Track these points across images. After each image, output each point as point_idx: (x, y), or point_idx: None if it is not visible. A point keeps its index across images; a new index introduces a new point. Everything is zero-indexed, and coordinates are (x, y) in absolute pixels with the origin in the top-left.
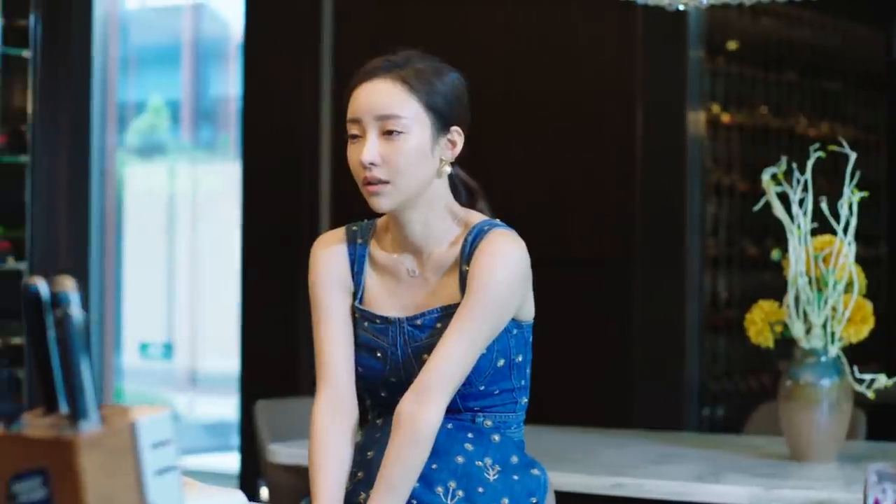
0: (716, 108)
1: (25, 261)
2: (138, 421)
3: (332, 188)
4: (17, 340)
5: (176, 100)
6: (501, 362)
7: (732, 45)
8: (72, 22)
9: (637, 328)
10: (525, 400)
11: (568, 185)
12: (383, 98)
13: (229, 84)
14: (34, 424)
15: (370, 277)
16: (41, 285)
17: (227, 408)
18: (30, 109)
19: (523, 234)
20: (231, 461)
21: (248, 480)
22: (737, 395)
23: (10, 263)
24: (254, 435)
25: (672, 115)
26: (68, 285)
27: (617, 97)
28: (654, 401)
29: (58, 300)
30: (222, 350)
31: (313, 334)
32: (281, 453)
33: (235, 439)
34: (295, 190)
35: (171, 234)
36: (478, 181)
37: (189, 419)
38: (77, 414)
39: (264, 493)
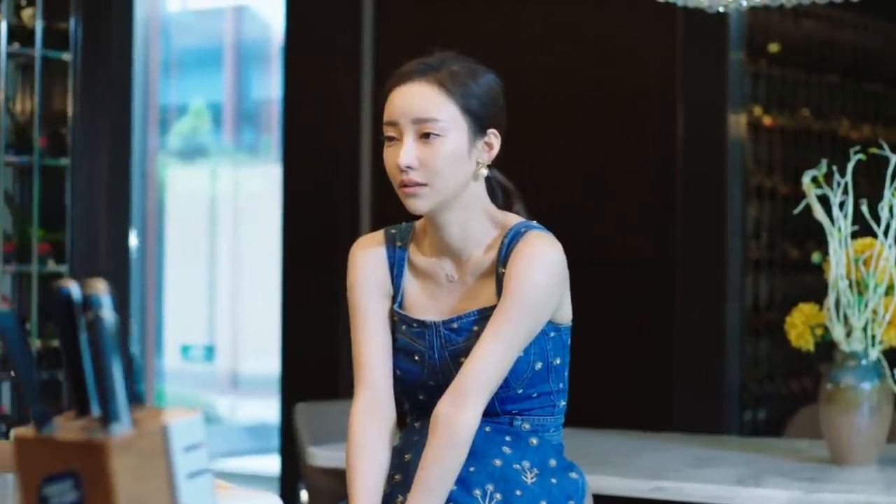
0: (757, 110)
1: (66, 263)
2: (170, 424)
3: (373, 190)
4: (57, 343)
5: (218, 102)
6: (539, 365)
7: (774, 47)
8: (112, 25)
9: (678, 330)
10: (563, 403)
11: (609, 186)
12: (420, 101)
13: (271, 86)
14: (66, 427)
15: (409, 281)
16: (73, 288)
17: (269, 410)
18: (70, 112)
19: (563, 236)
20: (272, 464)
21: (288, 483)
22: (778, 398)
23: (51, 266)
24: (294, 437)
25: (713, 117)
26: (100, 288)
27: (658, 99)
28: (695, 404)
29: (90, 303)
30: (263, 352)
31: (351, 337)
32: (320, 456)
33: (276, 442)
34: (335, 192)
35: (213, 236)
36: (517, 182)
37: (230, 421)
38: (108, 417)
39: (304, 495)
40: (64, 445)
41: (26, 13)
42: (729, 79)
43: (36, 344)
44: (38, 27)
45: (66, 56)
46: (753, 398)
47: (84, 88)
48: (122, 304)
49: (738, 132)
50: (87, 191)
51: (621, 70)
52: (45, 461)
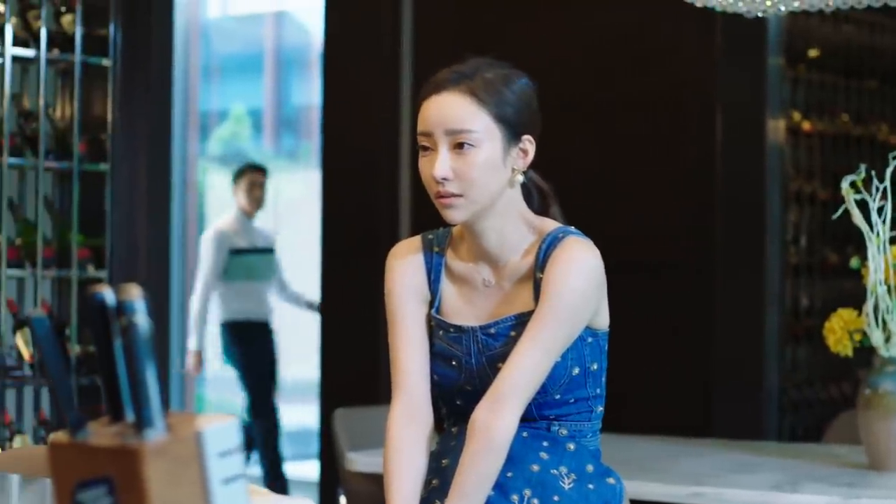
0: (797, 115)
1: (105, 269)
2: (204, 429)
3: (412, 195)
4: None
5: (258, 108)
6: (576, 371)
7: (813, 52)
8: (152, 30)
9: (717, 335)
10: (601, 408)
11: (648, 190)
12: (453, 112)
13: (311, 92)
14: (100, 433)
15: (447, 286)
16: (107, 294)
17: (308, 416)
18: (110, 118)
19: (603, 239)
20: (312, 469)
21: (327, 488)
22: (817, 403)
23: (91, 272)
24: (333, 443)
25: (752, 122)
26: (135, 294)
27: (697, 104)
28: (734, 409)
29: (124, 309)
30: (303, 358)
31: (389, 343)
32: (358, 461)
33: (316, 447)
34: (375, 197)
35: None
36: (554, 184)
37: None
38: (142, 423)
39: (343, 501)
40: (98, 451)
41: (66, 19)
42: (767, 84)
43: (75, 349)
44: (78, 33)
45: (106, 62)
46: (792, 403)
47: (123, 94)
48: (161, 310)
49: (777, 137)
50: (126, 196)
51: (660, 74)
52: (79, 467)
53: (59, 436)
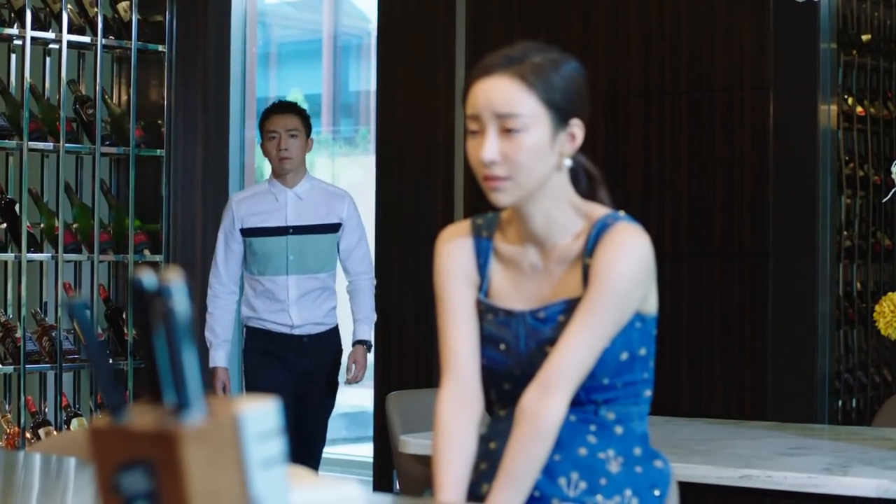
0: (850, 100)
1: (161, 254)
2: (243, 413)
3: (466, 180)
4: None
5: (316, 94)
6: (625, 355)
7: (866, 37)
8: (207, 17)
9: (771, 320)
10: (648, 392)
11: (702, 177)
12: (502, 95)
13: (369, 78)
14: (140, 416)
15: (495, 270)
16: (147, 278)
17: (364, 399)
18: (165, 104)
19: (658, 226)
20: (368, 450)
21: (382, 470)
22: (873, 386)
23: (147, 256)
24: (386, 426)
25: (804, 107)
26: (174, 278)
27: (749, 89)
28: (789, 393)
29: (163, 293)
30: None
31: (438, 326)
32: (410, 444)
33: (371, 430)
34: (430, 183)
35: None
36: (609, 172)
37: None
38: (181, 406)
39: (396, 483)
40: (137, 434)
41: (122, 6)
42: (819, 68)
43: (133, 332)
44: (134, 20)
45: (162, 48)
46: (847, 387)
47: (179, 80)
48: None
49: (829, 122)
50: (182, 181)
51: (713, 60)
52: (119, 450)
53: (100, 419)
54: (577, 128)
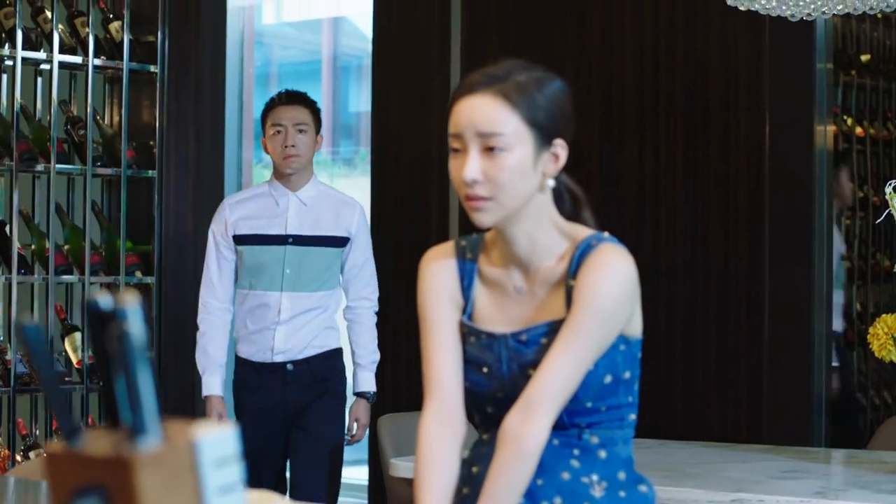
0: (849, 120)
1: (153, 276)
2: (200, 438)
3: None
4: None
5: None
6: (608, 378)
7: (865, 57)
8: (199, 37)
9: (767, 340)
10: (633, 416)
11: (698, 195)
12: (484, 114)
13: (369, 98)
14: (97, 441)
15: (479, 292)
16: (103, 300)
17: None
18: (157, 124)
19: (654, 246)
20: (364, 474)
21: (376, 493)
22: (874, 408)
23: (139, 277)
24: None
25: (800, 126)
26: (129, 300)
27: (745, 109)
28: (785, 415)
29: (117, 315)
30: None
31: (421, 348)
32: (400, 467)
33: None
34: (425, 203)
35: None
36: (602, 189)
37: None
38: (136, 430)
39: None
40: (92, 460)
41: (114, 26)
42: (815, 89)
43: None
44: (126, 40)
45: (153, 69)
46: (846, 409)
47: (171, 101)
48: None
49: (826, 141)
50: (175, 203)
51: (709, 79)
52: (74, 475)
53: (56, 444)
54: (560, 148)
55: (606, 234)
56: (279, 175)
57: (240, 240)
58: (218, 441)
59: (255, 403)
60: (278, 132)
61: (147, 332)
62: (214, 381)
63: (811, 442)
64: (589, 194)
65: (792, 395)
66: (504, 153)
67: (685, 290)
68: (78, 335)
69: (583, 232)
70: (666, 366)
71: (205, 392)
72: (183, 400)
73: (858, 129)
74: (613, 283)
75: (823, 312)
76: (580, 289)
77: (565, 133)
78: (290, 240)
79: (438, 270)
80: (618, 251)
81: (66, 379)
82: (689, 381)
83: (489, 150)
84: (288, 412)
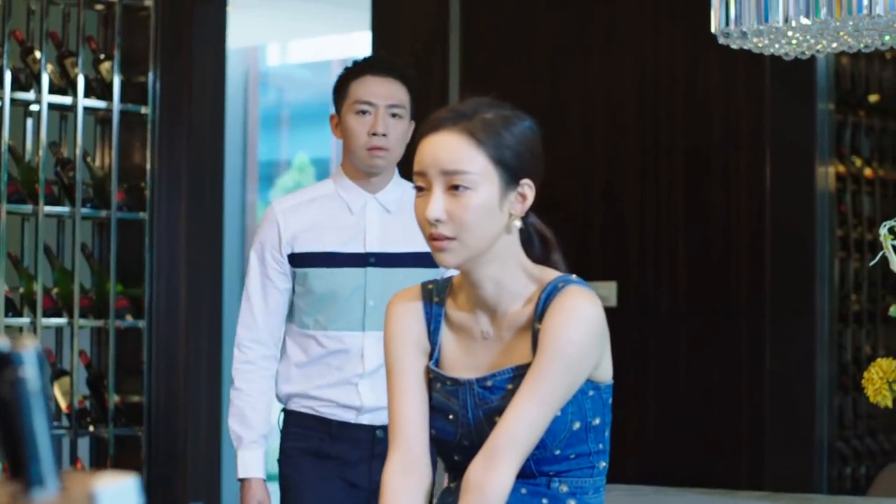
0: (857, 161)
1: (144, 319)
2: (98, 490)
3: None
4: (136, 398)
5: (325, 158)
6: (577, 425)
7: (873, 97)
8: (192, 78)
9: (768, 384)
10: (604, 464)
11: (699, 237)
12: (449, 152)
13: None
14: None
15: (446, 337)
16: (1, 345)
17: None
18: (148, 166)
19: (652, 286)
20: None
21: None
22: (880, 454)
23: (130, 321)
24: None
25: (801, 167)
26: (26, 346)
27: (746, 149)
28: (787, 461)
29: (12, 361)
30: None
31: (387, 394)
32: None
33: None
34: None
35: None
36: (602, 228)
37: None
38: (31, 481)
39: None
40: None
41: (104, 67)
42: (817, 129)
43: (114, 399)
44: (116, 81)
45: (145, 110)
46: (848, 455)
47: (163, 142)
48: (213, 358)
49: (828, 183)
50: (166, 245)
51: (709, 119)
52: None
53: None
54: (527, 188)
55: (574, 276)
56: (352, 171)
57: (299, 260)
58: (118, 493)
59: (325, 482)
60: (364, 112)
61: (48, 379)
62: (254, 460)
63: (813, 487)
64: (590, 239)
65: (793, 440)
66: (469, 192)
67: (685, 335)
68: (67, 380)
69: (550, 274)
70: (668, 412)
71: (241, 473)
72: (175, 453)
73: (868, 171)
74: (579, 328)
75: (825, 355)
76: (545, 333)
77: (533, 173)
78: (372, 259)
79: (405, 314)
80: (584, 294)
81: (55, 424)
82: (691, 426)
83: (454, 188)
84: (374, 494)
